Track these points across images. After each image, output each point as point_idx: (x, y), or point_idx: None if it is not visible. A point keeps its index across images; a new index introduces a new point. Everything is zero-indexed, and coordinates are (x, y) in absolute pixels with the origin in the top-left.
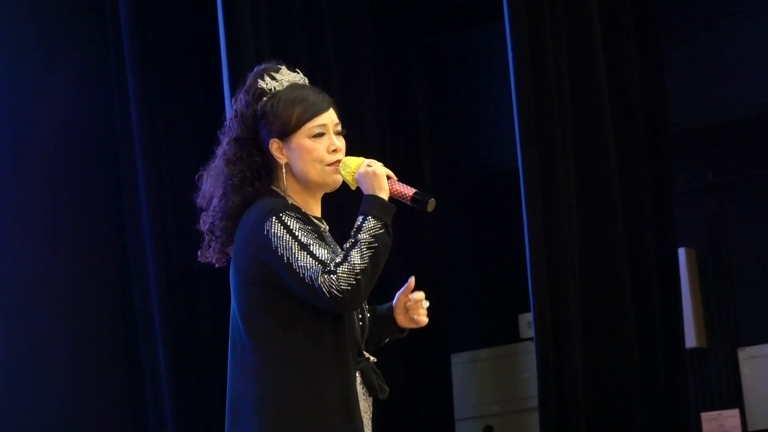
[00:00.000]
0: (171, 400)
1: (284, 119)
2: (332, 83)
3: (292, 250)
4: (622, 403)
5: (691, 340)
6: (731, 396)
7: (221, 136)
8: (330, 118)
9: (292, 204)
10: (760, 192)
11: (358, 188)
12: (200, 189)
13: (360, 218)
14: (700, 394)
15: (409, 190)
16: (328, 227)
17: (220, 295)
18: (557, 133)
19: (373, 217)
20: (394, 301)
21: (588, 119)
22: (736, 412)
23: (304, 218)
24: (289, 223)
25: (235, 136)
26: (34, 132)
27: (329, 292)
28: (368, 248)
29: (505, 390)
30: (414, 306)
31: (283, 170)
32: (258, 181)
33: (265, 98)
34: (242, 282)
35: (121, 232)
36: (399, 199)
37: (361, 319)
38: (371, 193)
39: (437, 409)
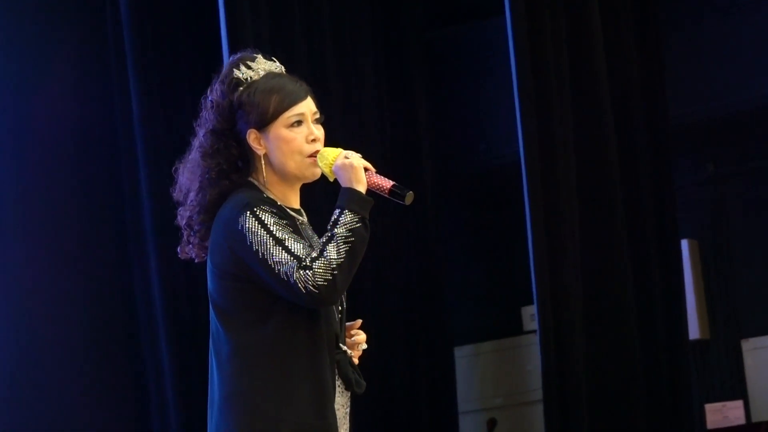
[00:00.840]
0: (174, 398)
1: (261, 109)
2: (332, 78)
3: (267, 245)
4: (625, 395)
5: (694, 331)
6: (735, 387)
7: (197, 128)
8: (308, 106)
9: (267, 197)
10: (762, 183)
11: (336, 180)
12: (176, 182)
13: (337, 212)
14: (703, 385)
15: (387, 183)
16: (306, 219)
17: None
18: (558, 127)
19: (349, 211)
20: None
21: (588, 113)
22: (739, 403)
23: (280, 212)
24: (263, 218)
25: (211, 127)
26: (34, 129)
27: (305, 287)
28: (345, 243)
29: (508, 383)
30: (352, 345)
31: (262, 161)
32: (235, 173)
33: (241, 88)
34: (218, 275)
35: (122, 231)
36: (377, 191)
37: (341, 311)
38: (348, 185)
39: (440, 403)
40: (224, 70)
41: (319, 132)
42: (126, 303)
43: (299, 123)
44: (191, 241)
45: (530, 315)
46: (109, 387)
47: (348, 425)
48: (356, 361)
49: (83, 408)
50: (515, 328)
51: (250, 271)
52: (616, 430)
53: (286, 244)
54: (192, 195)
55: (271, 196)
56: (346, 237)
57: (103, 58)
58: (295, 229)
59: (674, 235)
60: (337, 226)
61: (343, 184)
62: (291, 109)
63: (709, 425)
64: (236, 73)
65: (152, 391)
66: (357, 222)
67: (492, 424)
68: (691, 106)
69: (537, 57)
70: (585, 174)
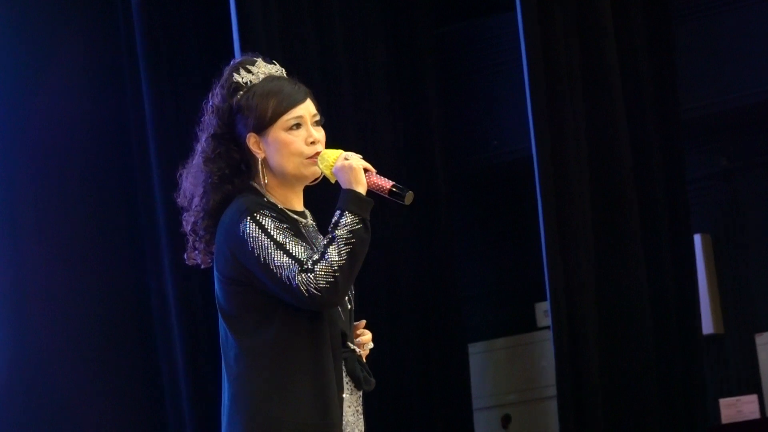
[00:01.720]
0: (189, 397)
1: (259, 113)
2: (343, 75)
3: (268, 250)
4: (639, 391)
5: (707, 326)
6: (749, 382)
7: (199, 133)
8: (306, 109)
9: (267, 201)
10: None
11: (337, 182)
12: (181, 188)
13: (337, 214)
14: (717, 380)
15: (386, 183)
16: (311, 220)
17: None
18: (570, 122)
19: (350, 213)
20: None
21: (600, 107)
22: (754, 397)
23: (280, 216)
24: (263, 223)
25: (212, 132)
26: (47, 130)
27: (307, 290)
28: (345, 245)
29: (522, 379)
30: (359, 345)
31: (260, 165)
32: (237, 177)
33: (240, 92)
34: (222, 281)
35: (136, 231)
36: (377, 192)
37: (349, 311)
38: (348, 187)
39: (455, 400)
40: (224, 74)
41: (318, 134)
42: (140, 302)
43: (298, 126)
44: (197, 246)
45: (543, 311)
46: (124, 386)
47: (362, 423)
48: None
49: (98, 407)
50: (529, 325)
51: (253, 276)
52: (630, 425)
53: (287, 248)
54: (196, 200)
55: (273, 200)
56: (347, 239)
57: (115, 59)
58: (296, 232)
59: (687, 230)
60: (338, 228)
61: (343, 185)
62: (289, 112)
63: (724, 420)
64: (236, 77)
65: (167, 389)
66: (357, 223)
67: (506, 420)
68: (703, 99)
69: (548, 52)
70: (597, 169)
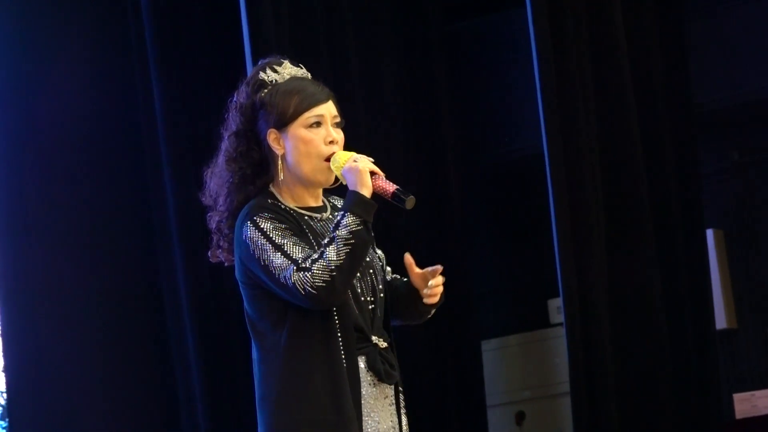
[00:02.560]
0: (202, 395)
1: (281, 109)
2: (354, 73)
3: (267, 252)
4: (653, 387)
5: (721, 321)
6: (763, 376)
7: (223, 132)
8: (328, 109)
9: (271, 203)
10: None
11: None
12: (206, 187)
13: (340, 214)
14: (731, 375)
15: (390, 187)
16: (330, 213)
17: None
18: (581, 117)
19: (351, 214)
20: (410, 285)
21: (612, 102)
22: None
23: (280, 216)
24: (263, 226)
25: (234, 129)
26: (58, 130)
27: (304, 289)
28: (345, 245)
29: (535, 376)
30: (431, 292)
31: (280, 162)
32: (258, 178)
33: (265, 90)
34: (240, 285)
35: (148, 229)
36: (382, 195)
37: (372, 303)
38: (354, 189)
39: (468, 397)
40: (251, 73)
41: (338, 135)
42: (152, 300)
43: (318, 124)
44: (221, 245)
45: (556, 307)
46: (137, 387)
47: (396, 416)
48: (435, 300)
49: (110, 408)
50: (542, 321)
51: (258, 279)
52: (645, 421)
53: (285, 249)
54: (221, 200)
55: (286, 199)
56: (347, 239)
57: (126, 60)
58: (298, 232)
59: (700, 225)
60: (339, 228)
61: (350, 187)
62: (311, 110)
63: (738, 415)
64: (261, 75)
65: (180, 388)
66: (358, 225)
67: (520, 417)
68: (715, 94)
69: (559, 47)
70: (609, 164)
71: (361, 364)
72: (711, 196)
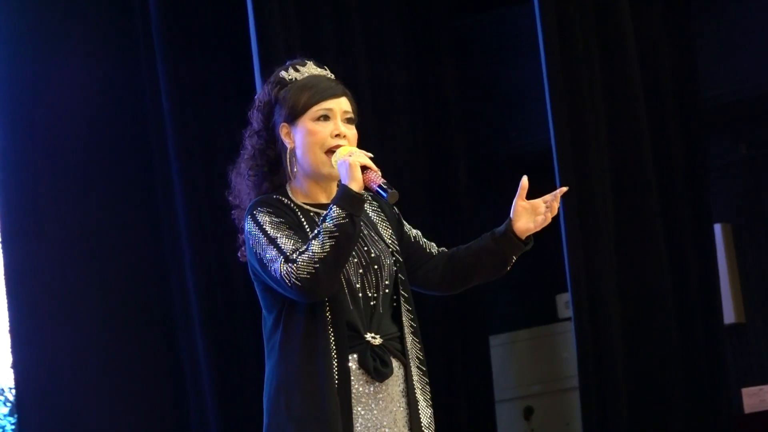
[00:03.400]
0: (210, 388)
1: (292, 103)
2: (361, 69)
3: (262, 245)
4: (661, 380)
5: (729, 315)
6: None
7: (244, 132)
8: (338, 104)
9: (275, 198)
10: None
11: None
12: (231, 186)
13: (329, 208)
14: (740, 369)
15: (377, 180)
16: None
17: None
18: (589, 112)
19: (338, 207)
20: (511, 213)
21: (619, 96)
22: None
23: (279, 211)
24: (260, 219)
25: (255, 127)
26: (67, 126)
27: (289, 281)
28: (329, 237)
29: (544, 370)
30: (552, 206)
31: (289, 155)
32: (275, 175)
33: (283, 88)
34: (252, 281)
35: (156, 224)
36: (369, 189)
37: (374, 298)
38: (344, 182)
39: (477, 392)
40: (275, 73)
41: (348, 130)
42: (161, 298)
43: (326, 118)
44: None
45: (565, 302)
46: (145, 384)
47: (396, 414)
48: (550, 217)
49: (119, 405)
50: (550, 316)
51: (259, 273)
52: (654, 416)
53: (277, 242)
54: (244, 198)
55: (297, 196)
56: (332, 232)
57: (133, 56)
58: (294, 224)
59: (707, 219)
60: (325, 221)
61: (342, 181)
62: (320, 104)
63: (747, 409)
64: (282, 74)
65: (189, 387)
66: (344, 218)
67: (529, 412)
68: (722, 88)
69: (566, 42)
70: (617, 159)
71: (352, 364)
72: (719, 191)
